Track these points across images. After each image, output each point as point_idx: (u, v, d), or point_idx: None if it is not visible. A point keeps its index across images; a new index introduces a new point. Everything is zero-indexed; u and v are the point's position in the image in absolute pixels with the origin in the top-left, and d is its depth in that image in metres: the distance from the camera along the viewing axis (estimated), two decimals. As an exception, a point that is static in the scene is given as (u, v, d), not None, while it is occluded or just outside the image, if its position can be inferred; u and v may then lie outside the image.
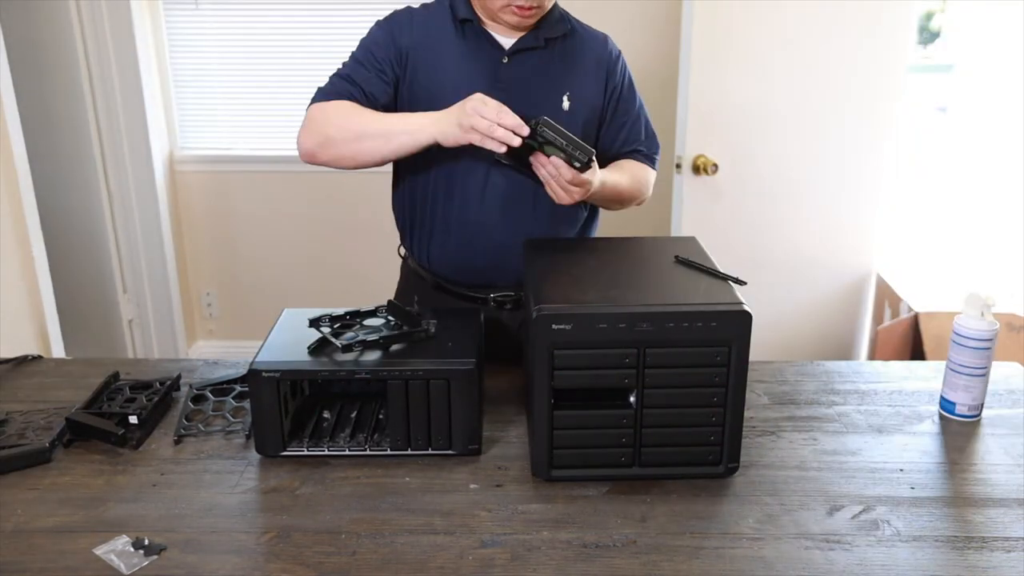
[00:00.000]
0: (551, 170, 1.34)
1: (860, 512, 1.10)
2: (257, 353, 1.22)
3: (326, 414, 1.31)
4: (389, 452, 1.23)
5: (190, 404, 1.37)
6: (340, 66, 1.51)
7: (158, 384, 1.40)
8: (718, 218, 2.71)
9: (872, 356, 2.86)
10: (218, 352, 3.49)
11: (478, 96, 1.31)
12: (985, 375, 1.32)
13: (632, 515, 1.09)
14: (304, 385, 1.32)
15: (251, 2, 3.12)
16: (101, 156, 3.14)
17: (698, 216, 2.67)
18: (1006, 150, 2.90)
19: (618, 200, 1.57)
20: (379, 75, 1.47)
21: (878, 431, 1.31)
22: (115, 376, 1.43)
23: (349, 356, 1.21)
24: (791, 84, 2.65)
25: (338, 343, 1.22)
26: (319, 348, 1.24)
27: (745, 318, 1.09)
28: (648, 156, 1.63)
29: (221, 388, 1.42)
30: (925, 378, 1.49)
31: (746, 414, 1.18)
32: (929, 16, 4.86)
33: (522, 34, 1.49)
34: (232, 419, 1.33)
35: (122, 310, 3.33)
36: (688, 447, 1.16)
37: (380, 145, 1.40)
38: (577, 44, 1.54)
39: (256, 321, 3.25)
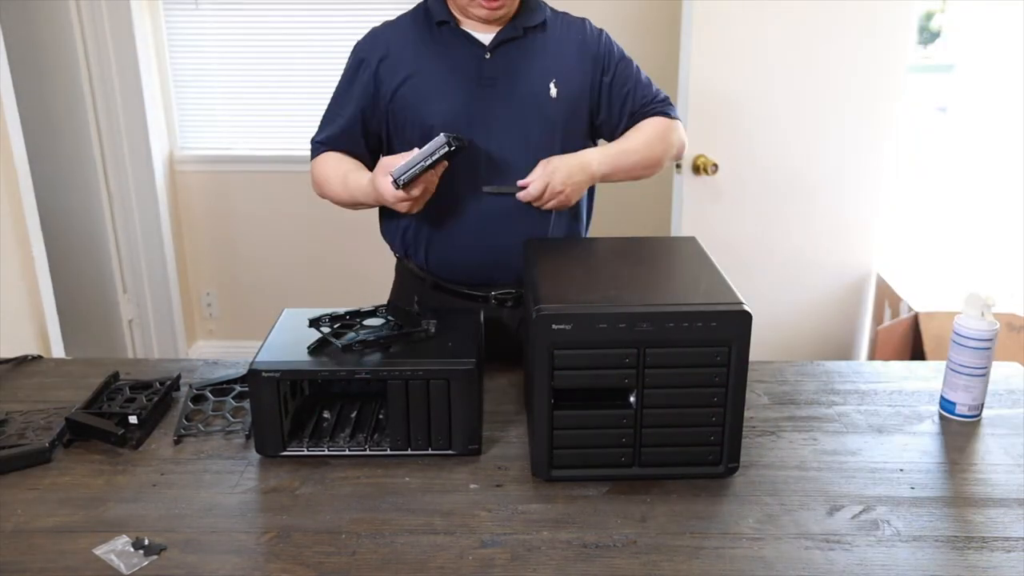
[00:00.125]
0: (530, 194, 1.42)
1: (860, 512, 1.10)
2: (257, 353, 1.22)
3: (326, 414, 1.31)
4: (389, 452, 1.23)
5: (190, 404, 1.37)
6: (328, 103, 1.59)
7: (158, 384, 1.40)
8: (718, 218, 2.71)
9: (872, 356, 2.86)
10: (218, 352, 3.49)
11: (379, 182, 1.37)
12: (985, 375, 1.32)
13: (632, 515, 1.09)
14: (304, 385, 1.32)
15: (251, 2, 3.12)
16: (101, 156, 3.14)
17: (698, 216, 2.67)
18: (1006, 150, 2.90)
19: (637, 162, 1.55)
20: (356, 105, 1.53)
21: (878, 431, 1.31)
22: (115, 376, 1.43)
23: (349, 356, 1.21)
24: (791, 84, 2.65)
25: (338, 343, 1.22)
26: (319, 348, 1.24)
27: (745, 318, 1.09)
28: (662, 111, 1.59)
29: (221, 388, 1.42)
30: (925, 378, 1.49)
31: (746, 414, 1.18)
32: (929, 16, 4.86)
33: (500, 28, 1.49)
34: (232, 419, 1.33)
35: (122, 310, 3.33)
36: (688, 447, 1.16)
37: (360, 207, 1.53)
38: (557, 30, 1.54)
39: (256, 321, 3.24)
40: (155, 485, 1.16)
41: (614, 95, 1.56)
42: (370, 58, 1.52)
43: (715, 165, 2.62)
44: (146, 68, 3.08)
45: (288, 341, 1.27)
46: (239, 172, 3.32)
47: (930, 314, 2.63)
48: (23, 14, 2.90)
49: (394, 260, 1.70)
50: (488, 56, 1.49)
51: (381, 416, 1.30)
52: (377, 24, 1.57)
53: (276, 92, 3.21)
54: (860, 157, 2.76)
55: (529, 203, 1.47)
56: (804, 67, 2.63)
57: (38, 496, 1.14)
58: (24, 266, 2.33)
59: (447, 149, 1.31)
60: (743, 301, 1.11)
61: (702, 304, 1.10)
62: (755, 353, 1.14)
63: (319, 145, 1.58)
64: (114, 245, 3.26)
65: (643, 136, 1.56)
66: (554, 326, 1.09)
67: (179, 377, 1.44)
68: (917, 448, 1.26)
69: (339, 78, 1.57)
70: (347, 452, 1.23)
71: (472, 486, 1.16)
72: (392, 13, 1.59)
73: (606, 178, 1.51)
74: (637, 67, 1.61)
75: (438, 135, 1.32)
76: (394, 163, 1.34)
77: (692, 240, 1.38)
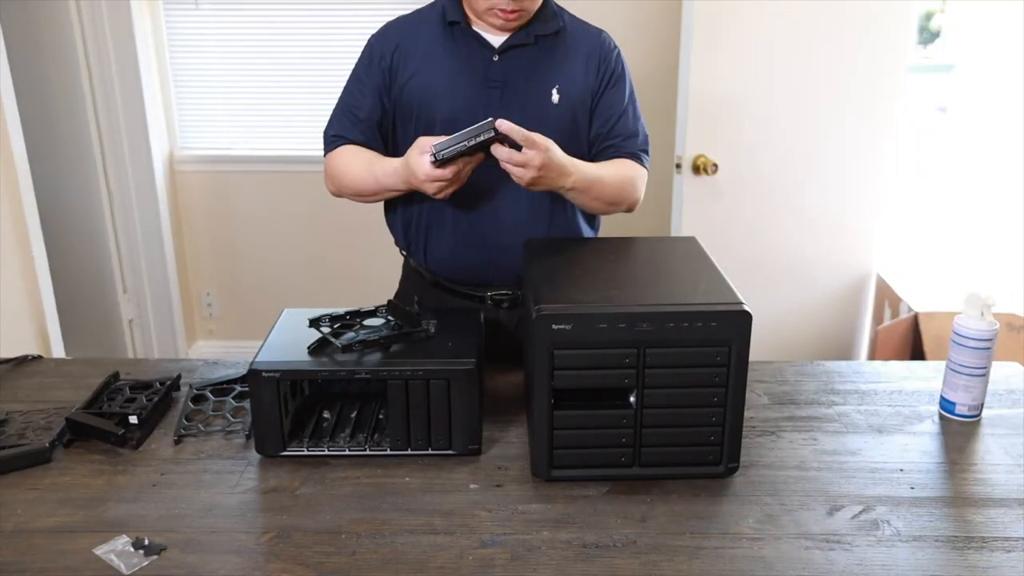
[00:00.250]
0: (502, 155, 1.33)
1: (860, 512, 1.10)
2: (257, 353, 1.22)
3: (326, 414, 1.31)
4: (389, 452, 1.23)
5: (190, 404, 1.37)
6: (341, 92, 1.57)
7: (158, 384, 1.40)
8: (718, 218, 2.71)
9: (872, 356, 2.87)
10: (218, 352, 3.49)
11: (414, 160, 1.35)
12: (985, 375, 1.32)
13: (632, 515, 1.09)
14: (304, 385, 1.32)
15: (251, 2, 3.12)
16: (101, 156, 3.14)
17: (698, 216, 2.67)
18: (1006, 150, 2.91)
19: (602, 195, 1.49)
20: (373, 97, 1.52)
21: (878, 431, 1.31)
22: (115, 376, 1.43)
23: (349, 356, 1.21)
24: (791, 84, 2.65)
25: (338, 343, 1.22)
26: (319, 348, 1.24)
27: (745, 318, 1.09)
28: (634, 153, 1.56)
29: (221, 388, 1.42)
30: (925, 378, 1.49)
31: (746, 414, 1.18)
32: (929, 16, 4.86)
33: (512, 32, 1.49)
34: (232, 419, 1.33)
35: (122, 310, 3.33)
36: (688, 447, 1.16)
37: (384, 194, 1.51)
38: (569, 39, 1.53)
39: (256, 321, 3.25)
40: (155, 485, 1.16)
41: (598, 110, 1.54)
42: (385, 51, 1.51)
43: (715, 165, 2.62)
44: (146, 68, 3.08)
45: (288, 341, 1.27)
46: (239, 172, 3.32)
47: (930, 314, 2.63)
48: (23, 14, 2.90)
49: (397, 260, 1.71)
50: (496, 59, 1.49)
51: (381, 416, 1.30)
52: (390, 20, 1.56)
53: (276, 92, 3.21)
54: (860, 157, 2.76)
55: (524, 201, 1.46)
56: (804, 67, 2.64)
57: (38, 496, 1.14)
58: (24, 266, 2.33)
59: (492, 134, 1.26)
60: (743, 301, 1.11)
61: (702, 304, 1.10)
62: (755, 353, 1.14)
63: (336, 138, 1.55)
64: (114, 245, 3.26)
65: (619, 175, 1.52)
66: (554, 326, 1.09)
67: (179, 377, 1.44)
68: (917, 448, 1.26)
69: (350, 73, 1.56)
70: (347, 452, 1.23)
71: (472, 486, 1.16)
72: (393, 13, 1.59)
73: (569, 195, 1.45)
74: (635, 102, 1.58)
75: (487, 119, 1.27)
76: (432, 142, 1.31)
77: (692, 240, 1.38)
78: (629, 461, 1.16)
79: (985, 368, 1.32)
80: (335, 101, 1.58)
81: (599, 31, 1.58)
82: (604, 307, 1.10)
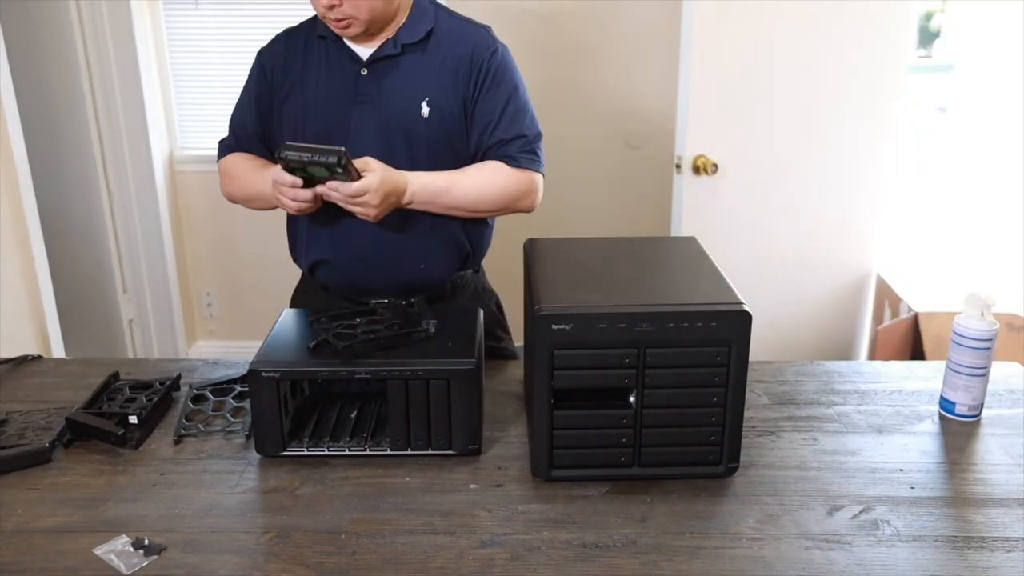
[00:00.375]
0: (335, 195, 1.33)
1: (860, 512, 1.10)
2: (257, 353, 1.22)
3: (326, 414, 1.31)
4: (389, 452, 1.23)
5: (190, 404, 1.37)
6: (237, 100, 1.61)
7: (158, 384, 1.40)
8: (718, 218, 2.71)
9: (872, 356, 2.86)
10: (218, 352, 3.49)
11: (272, 169, 1.36)
12: (985, 375, 1.32)
13: (632, 515, 1.09)
14: (304, 385, 1.32)
15: (251, 2, 3.12)
16: (101, 156, 3.14)
17: (698, 216, 2.67)
18: (1006, 150, 2.91)
19: (457, 204, 1.46)
20: (256, 110, 1.55)
21: (878, 431, 1.31)
22: (115, 376, 1.43)
23: (349, 356, 1.21)
24: (791, 84, 2.65)
25: (338, 343, 1.22)
26: (319, 348, 1.24)
27: (745, 318, 1.09)
28: (509, 156, 1.48)
29: (221, 388, 1.42)
30: (925, 378, 1.49)
31: (746, 414, 1.18)
32: (929, 16, 4.85)
33: (380, 43, 1.46)
34: (232, 419, 1.33)
35: (122, 310, 3.33)
36: (688, 447, 1.16)
37: (262, 201, 1.53)
38: (439, 45, 1.47)
39: (256, 321, 3.24)
40: (155, 485, 1.16)
41: (475, 119, 1.48)
42: (267, 66, 1.55)
43: (715, 165, 2.62)
44: (146, 68, 3.08)
45: (288, 341, 1.27)
46: (239, 172, 3.32)
47: (930, 314, 2.63)
48: (23, 14, 2.90)
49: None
50: (364, 72, 1.46)
51: (381, 416, 1.30)
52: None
53: (276, 92, 3.21)
54: (860, 157, 2.76)
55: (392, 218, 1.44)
56: (804, 67, 2.63)
57: (38, 496, 1.14)
58: (24, 266, 2.33)
59: (336, 159, 1.24)
60: (743, 301, 1.11)
61: (702, 304, 1.10)
62: (755, 353, 1.14)
63: (226, 147, 1.61)
64: (114, 245, 3.26)
65: (481, 180, 1.47)
66: (554, 326, 1.09)
67: (179, 377, 1.44)
68: (917, 448, 1.26)
69: (245, 81, 1.59)
70: (347, 452, 1.23)
71: (472, 486, 1.16)
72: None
73: (417, 208, 1.44)
74: (518, 100, 1.49)
75: (340, 148, 1.26)
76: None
77: (692, 240, 1.38)
78: (629, 461, 1.16)
79: (985, 368, 1.32)
80: None
81: (477, 29, 1.50)
82: (604, 307, 1.10)
